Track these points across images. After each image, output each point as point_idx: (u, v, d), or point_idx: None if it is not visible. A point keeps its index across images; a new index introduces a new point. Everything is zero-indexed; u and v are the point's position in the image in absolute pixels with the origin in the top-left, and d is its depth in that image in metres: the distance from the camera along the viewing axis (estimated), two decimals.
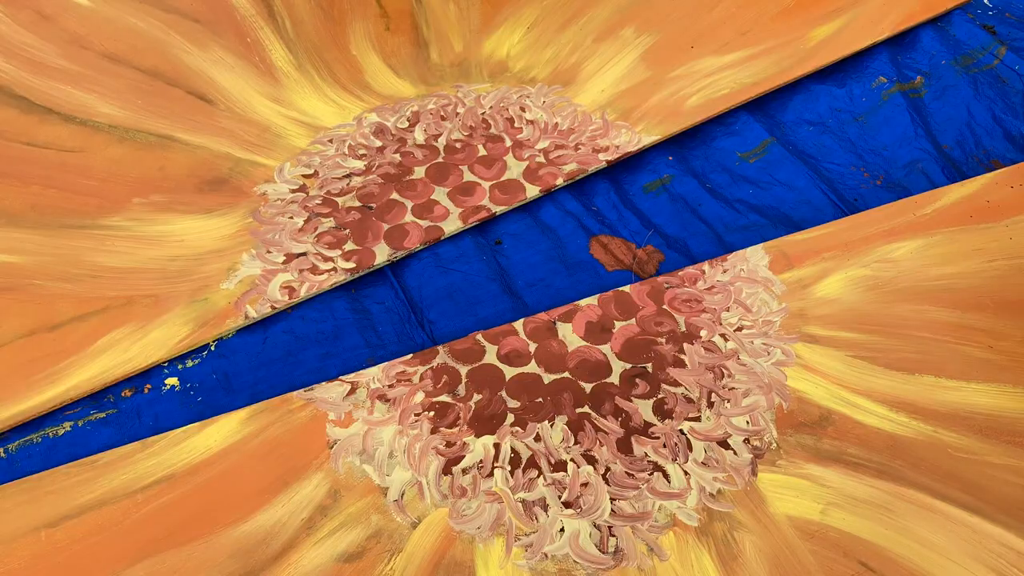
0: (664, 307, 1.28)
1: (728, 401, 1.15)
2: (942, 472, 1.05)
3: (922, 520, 1.00)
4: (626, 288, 1.30)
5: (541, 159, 1.51)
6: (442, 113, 1.61)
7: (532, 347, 1.21)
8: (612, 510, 1.03)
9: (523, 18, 1.83)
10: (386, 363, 1.19)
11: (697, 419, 1.13)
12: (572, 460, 1.08)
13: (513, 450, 1.09)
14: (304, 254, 1.32)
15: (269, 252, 1.32)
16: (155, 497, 1.02)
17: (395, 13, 1.80)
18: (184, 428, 1.09)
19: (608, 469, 1.07)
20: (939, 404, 1.13)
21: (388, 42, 1.76)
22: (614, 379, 1.18)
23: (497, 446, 1.09)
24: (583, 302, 1.28)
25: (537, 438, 1.11)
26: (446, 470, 1.07)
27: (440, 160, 1.51)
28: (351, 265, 1.31)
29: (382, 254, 1.33)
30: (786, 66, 1.65)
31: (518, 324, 1.24)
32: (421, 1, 1.83)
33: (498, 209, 1.41)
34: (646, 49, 1.74)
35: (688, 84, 1.64)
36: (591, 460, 1.08)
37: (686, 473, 1.07)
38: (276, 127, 1.55)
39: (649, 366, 1.19)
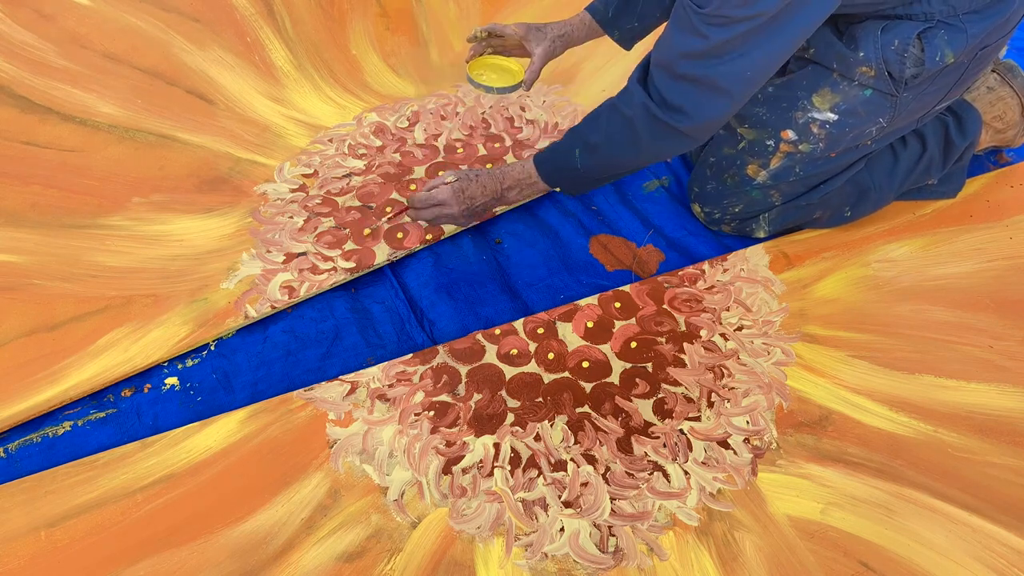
0: (664, 307, 1.28)
1: (728, 401, 1.15)
2: (942, 472, 1.05)
3: (922, 520, 1.00)
4: (626, 288, 1.30)
5: None
6: (442, 113, 1.61)
7: (532, 347, 1.21)
8: (612, 510, 1.03)
9: (523, 18, 1.83)
10: (386, 363, 1.18)
11: (697, 419, 1.13)
12: (572, 460, 1.08)
13: (513, 450, 1.09)
14: (304, 254, 1.32)
15: (269, 252, 1.32)
16: (155, 497, 1.02)
17: (395, 12, 1.80)
18: (184, 428, 1.09)
19: (608, 469, 1.07)
20: (939, 404, 1.13)
21: (388, 41, 1.76)
22: (614, 379, 1.18)
23: (497, 446, 1.09)
24: (583, 302, 1.28)
25: (537, 438, 1.10)
26: (446, 470, 1.07)
27: (440, 160, 1.51)
28: (351, 265, 1.31)
29: (382, 254, 1.33)
30: None
31: (518, 324, 1.24)
32: (421, 0, 1.83)
33: (498, 209, 1.41)
34: (646, 48, 1.73)
35: None
36: (591, 460, 1.08)
37: (686, 473, 1.07)
38: (276, 127, 1.55)
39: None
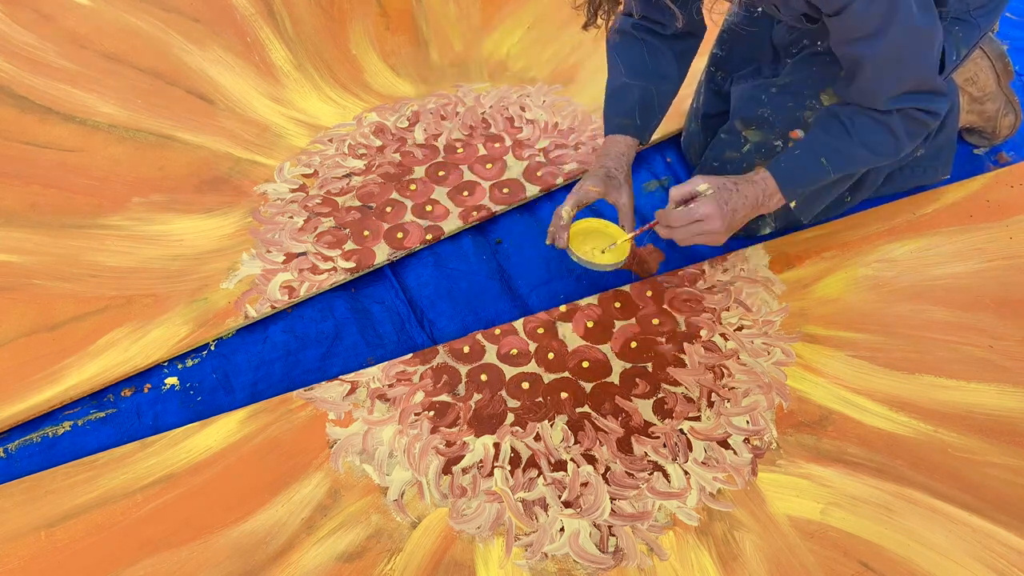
0: (664, 307, 1.28)
1: (728, 401, 1.15)
2: (942, 472, 1.05)
3: (922, 520, 1.00)
4: (626, 288, 1.30)
5: (541, 158, 1.51)
6: (442, 113, 1.61)
7: (532, 347, 1.21)
8: (612, 510, 1.03)
9: (523, 17, 1.82)
10: (386, 363, 1.18)
11: (697, 419, 1.13)
12: (572, 460, 1.08)
13: (513, 450, 1.09)
14: (304, 254, 1.32)
15: (269, 252, 1.32)
16: (155, 497, 1.02)
17: (395, 12, 1.80)
18: (184, 428, 1.09)
19: (608, 469, 1.07)
20: (939, 404, 1.13)
21: (388, 41, 1.75)
22: (614, 379, 1.18)
23: (497, 446, 1.09)
24: (583, 302, 1.28)
25: (537, 438, 1.11)
26: (446, 470, 1.07)
27: (440, 159, 1.51)
28: (351, 265, 1.31)
29: (382, 254, 1.33)
30: None
31: (518, 324, 1.24)
32: (421, 0, 1.83)
33: (498, 208, 1.41)
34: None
35: (688, 84, 1.64)
36: (591, 460, 1.08)
37: (686, 473, 1.07)
38: (276, 127, 1.55)
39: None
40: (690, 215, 1.04)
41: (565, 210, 1.14)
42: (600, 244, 1.19)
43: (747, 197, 1.06)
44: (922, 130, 1.08)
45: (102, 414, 1.12)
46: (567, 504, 1.03)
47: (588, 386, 1.17)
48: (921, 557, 0.97)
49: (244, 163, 1.47)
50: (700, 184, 1.05)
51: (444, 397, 1.15)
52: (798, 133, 1.21)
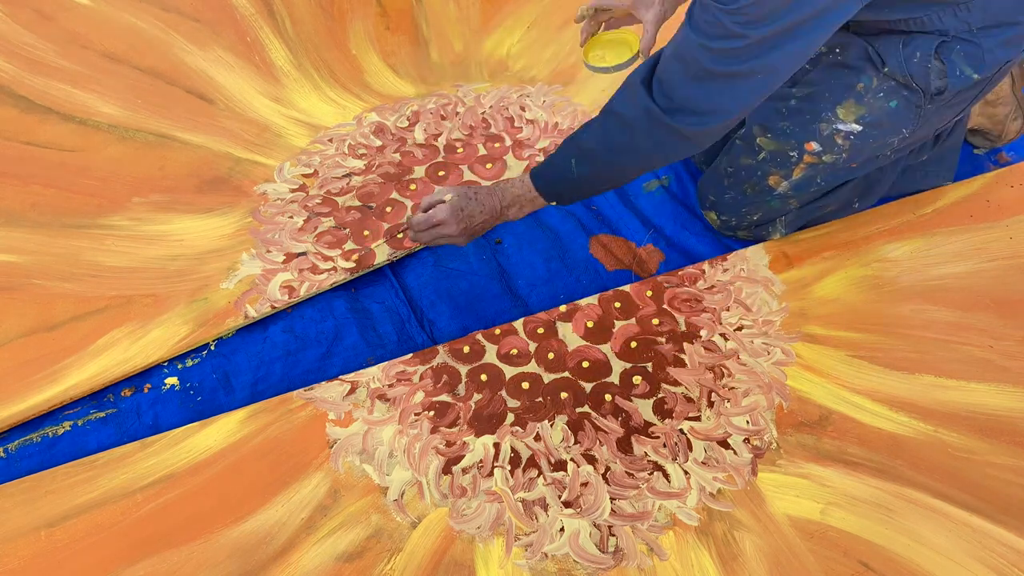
0: (664, 307, 1.28)
1: (728, 401, 1.15)
2: (942, 472, 1.05)
3: (922, 520, 1.00)
4: (626, 288, 1.30)
5: (541, 158, 1.51)
6: (442, 112, 1.61)
7: (532, 347, 1.21)
8: (612, 510, 1.03)
9: (523, 17, 1.82)
10: (386, 363, 1.18)
11: (697, 419, 1.13)
12: (572, 460, 1.08)
13: (513, 450, 1.09)
14: (304, 254, 1.32)
15: (269, 251, 1.32)
16: (155, 497, 1.02)
17: (395, 12, 1.80)
18: (184, 428, 1.09)
19: (608, 468, 1.07)
20: (939, 404, 1.13)
21: (388, 41, 1.75)
22: (614, 379, 1.18)
23: (497, 446, 1.09)
24: (583, 302, 1.28)
25: (537, 438, 1.11)
26: (446, 470, 1.07)
27: (440, 159, 1.51)
28: (351, 265, 1.31)
29: (382, 254, 1.33)
30: None
31: (518, 324, 1.24)
32: (421, 0, 1.83)
33: None
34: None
35: None
36: (591, 460, 1.08)
37: (686, 473, 1.07)
38: (276, 127, 1.55)
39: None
40: (428, 220, 1.13)
41: (582, 7, 1.19)
42: (616, 52, 1.24)
43: (484, 205, 1.14)
44: (672, 142, 1.01)
45: (102, 414, 1.12)
46: (567, 504, 1.03)
47: (588, 386, 1.17)
48: (921, 557, 0.97)
49: (244, 163, 1.47)
50: (447, 194, 1.13)
51: (444, 397, 1.15)
52: (813, 145, 1.20)
